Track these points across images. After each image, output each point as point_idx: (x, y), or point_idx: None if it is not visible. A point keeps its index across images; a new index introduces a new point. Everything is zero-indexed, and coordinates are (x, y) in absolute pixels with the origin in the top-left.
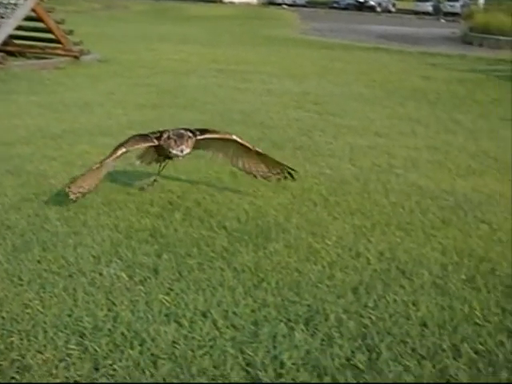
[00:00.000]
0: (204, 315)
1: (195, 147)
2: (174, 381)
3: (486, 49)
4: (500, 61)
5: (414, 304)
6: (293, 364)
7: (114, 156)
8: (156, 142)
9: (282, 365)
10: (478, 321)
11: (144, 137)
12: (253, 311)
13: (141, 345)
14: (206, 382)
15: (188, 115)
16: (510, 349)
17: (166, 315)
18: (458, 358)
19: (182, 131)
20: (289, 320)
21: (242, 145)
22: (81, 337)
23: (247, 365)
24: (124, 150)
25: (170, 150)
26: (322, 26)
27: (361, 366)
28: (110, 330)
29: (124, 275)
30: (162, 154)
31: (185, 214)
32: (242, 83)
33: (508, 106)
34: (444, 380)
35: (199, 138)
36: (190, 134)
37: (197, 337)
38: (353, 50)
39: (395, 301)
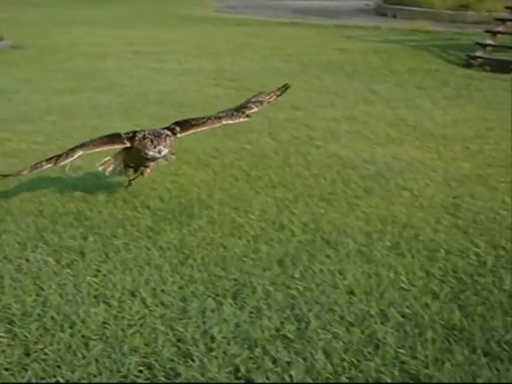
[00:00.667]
0: (133, 294)
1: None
2: (106, 360)
3: (400, 20)
4: (414, 31)
5: (340, 273)
6: (223, 338)
7: (70, 159)
8: (128, 144)
9: (213, 339)
10: (403, 285)
11: (113, 138)
12: (180, 288)
13: (71, 327)
14: (138, 359)
15: (106, 98)
16: (435, 310)
17: (95, 297)
18: (385, 323)
19: (159, 130)
20: (217, 295)
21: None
22: (10, 324)
23: (178, 341)
24: (81, 153)
25: (146, 151)
26: (237, 3)
27: (290, 335)
28: (39, 314)
29: (51, 259)
30: (135, 157)
31: (108, 195)
32: (159, 64)
33: (423, 75)
34: (373, 344)
35: (180, 135)
36: (169, 133)
37: (127, 316)
38: (269, 26)
39: (321, 271)
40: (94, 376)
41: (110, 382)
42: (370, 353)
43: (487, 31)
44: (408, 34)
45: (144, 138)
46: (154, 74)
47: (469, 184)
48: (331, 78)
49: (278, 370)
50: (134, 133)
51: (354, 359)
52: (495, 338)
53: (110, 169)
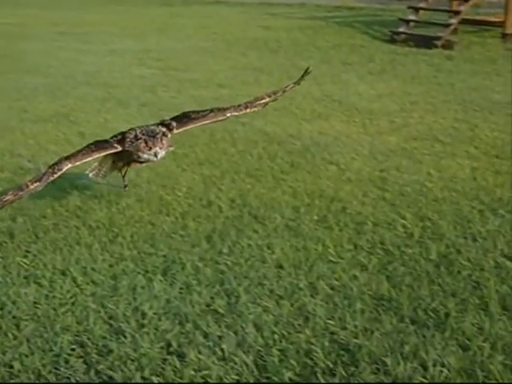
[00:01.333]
0: (63, 274)
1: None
2: (38, 340)
3: None
4: (338, 8)
5: (268, 247)
6: (154, 314)
7: (58, 173)
8: (119, 147)
9: (144, 315)
10: (332, 258)
11: (101, 144)
12: (111, 266)
13: (1, 308)
14: (71, 338)
15: (32, 80)
16: (364, 281)
17: (25, 277)
18: (314, 295)
19: (154, 127)
20: (146, 271)
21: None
22: None
23: (109, 318)
24: (69, 165)
25: (140, 154)
26: None
27: (221, 310)
28: None
29: None
30: (127, 160)
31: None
32: (84, 45)
33: (348, 51)
34: (303, 317)
35: (178, 131)
36: (165, 130)
37: (58, 295)
38: (193, 5)
39: (249, 245)
40: (26, 356)
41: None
42: (300, 325)
43: (410, 7)
44: (332, 11)
45: (136, 138)
46: (79, 55)
47: (395, 157)
48: (256, 56)
49: (210, 344)
50: (123, 134)
51: (284, 332)
52: (422, 306)
53: (102, 173)
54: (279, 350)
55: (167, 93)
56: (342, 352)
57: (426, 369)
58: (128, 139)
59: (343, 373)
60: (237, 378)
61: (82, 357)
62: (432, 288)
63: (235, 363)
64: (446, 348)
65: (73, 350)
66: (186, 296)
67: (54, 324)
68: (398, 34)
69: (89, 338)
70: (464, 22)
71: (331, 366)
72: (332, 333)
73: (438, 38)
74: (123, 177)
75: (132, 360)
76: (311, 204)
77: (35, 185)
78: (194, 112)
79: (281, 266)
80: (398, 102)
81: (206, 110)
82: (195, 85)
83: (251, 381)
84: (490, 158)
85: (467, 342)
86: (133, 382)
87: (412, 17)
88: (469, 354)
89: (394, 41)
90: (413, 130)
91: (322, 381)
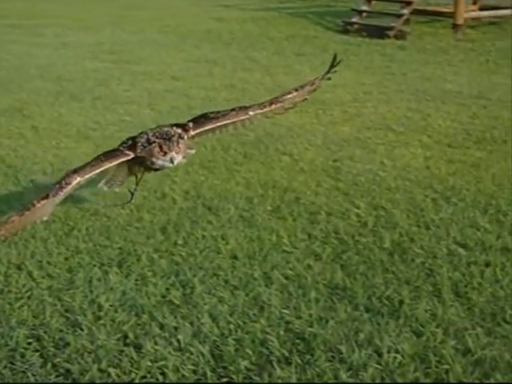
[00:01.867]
0: (19, 268)
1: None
2: None
3: None
4: None
5: (223, 238)
6: (110, 306)
7: (68, 187)
8: (131, 154)
9: (100, 307)
10: (286, 248)
11: (111, 154)
12: (66, 259)
13: None
14: (27, 331)
15: None
16: (318, 270)
17: None
18: (269, 285)
19: (168, 129)
20: (102, 264)
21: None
22: None
23: (66, 311)
24: (79, 179)
25: (154, 160)
26: None
27: (176, 301)
28: None
29: None
30: (140, 167)
31: None
32: (36, 38)
33: (301, 42)
34: (258, 306)
35: (195, 132)
36: (180, 131)
37: (13, 290)
38: None
39: (204, 236)
40: None
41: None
42: (255, 314)
43: None
44: (285, 2)
45: (149, 142)
46: (32, 48)
47: (348, 147)
48: (209, 48)
49: (166, 335)
50: (134, 139)
51: (239, 321)
52: (376, 294)
53: (118, 183)
54: (235, 340)
55: (121, 86)
56: (297, 341)
57: (380, 355)
58: (140, 143)
59: (299, 361)
60: (193, 367)
61: (38, 350)
62: (386, 276)
63: (191, 353)
64: (400, 335)
65: (29, 343)
66: (142, 287)
67: (9, 318)
68: (351, 24)
69: (45, 332)
70: (416, 12)
71: (287, 354)
72: (287, 322)
73: (391, 29)
74: (136, 184)
75: (89, 352)
76: (265, 195)
77: (42, 203)
78: (213, 112)
79: (235, 257)
80: (351, 92)
81: (226, 110)
82: (149, 78)
83: (207, 370)
84: (442, 146)
85: (421, 328)
86: (90, 374)
87: (365, 7)
88: (422, 340)
89: (347, 31)
90: (366, 119)
91: (278, 369)
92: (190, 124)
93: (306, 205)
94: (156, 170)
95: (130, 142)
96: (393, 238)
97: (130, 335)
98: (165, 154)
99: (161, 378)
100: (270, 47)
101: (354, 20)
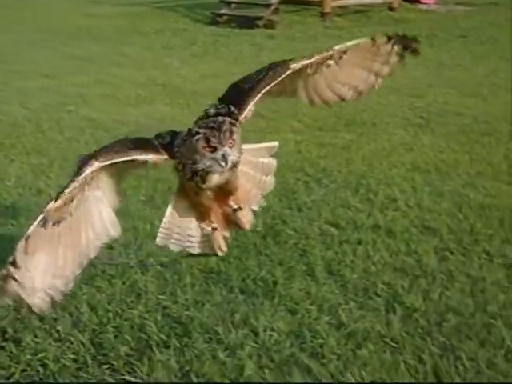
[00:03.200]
0: None
1: None
2: None
3: None
4: None
5: None
6: None
7: (87, 172)
8: (165, 155)
9: None
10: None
11: (140, 142)
12: None
13: None
14: None
15: None
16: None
17: None
18: (145, 273)
19: (212, 116)
20: None
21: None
22: None
23: None
24: (97, 164)
25: (197, 157)
26: None
27: None
28: None
29: None
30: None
31: None
32: None
33: (170, 35)
34: (135, 294)
35: (243, 116)
36: (230, 119)
37: None
38: None
39: None
40: None
41: None
42: (132, 301)
43: None
44: None
45: (194, 133)
46: None
47: None
48: (80, 45)
49: (46, 326)
50: (172, 135)
51: (118, 309)
52: (251, 276)
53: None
54: (114, 327)
55: None
56: (174, 325)
57: (256, 334)
58: (178, 140)
59: (177, 344)
60: (74, 356)
61: None
62: (259, 258)
63: (71, 343)
64: (275, 314)
65: None
66: None
67: None
68: (220, 15)
69: None
70: (285, 1)
71: (165, 338)
72: (164, 307)
73: (260, 18)
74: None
75: None
76: (138, 185)
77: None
78: (241, 82)
79: (111, 247)
80: (221, 82)
81: (259, 72)
82: (20, 76)
83: (88, 358)
84: (313, 130)
85: (295, 306)
86: None
87: None
88: (297, 318)
89: (216, 23)
90: None
91: (157, 353)
92: (232, 107)
93: None
94: (203, 179)
95: (168, 139)
96: (265, 222)
97: (9, 330)
98: (215, 149)
99: (41, 370)
100: (139, 42)
101: (223, 11)
